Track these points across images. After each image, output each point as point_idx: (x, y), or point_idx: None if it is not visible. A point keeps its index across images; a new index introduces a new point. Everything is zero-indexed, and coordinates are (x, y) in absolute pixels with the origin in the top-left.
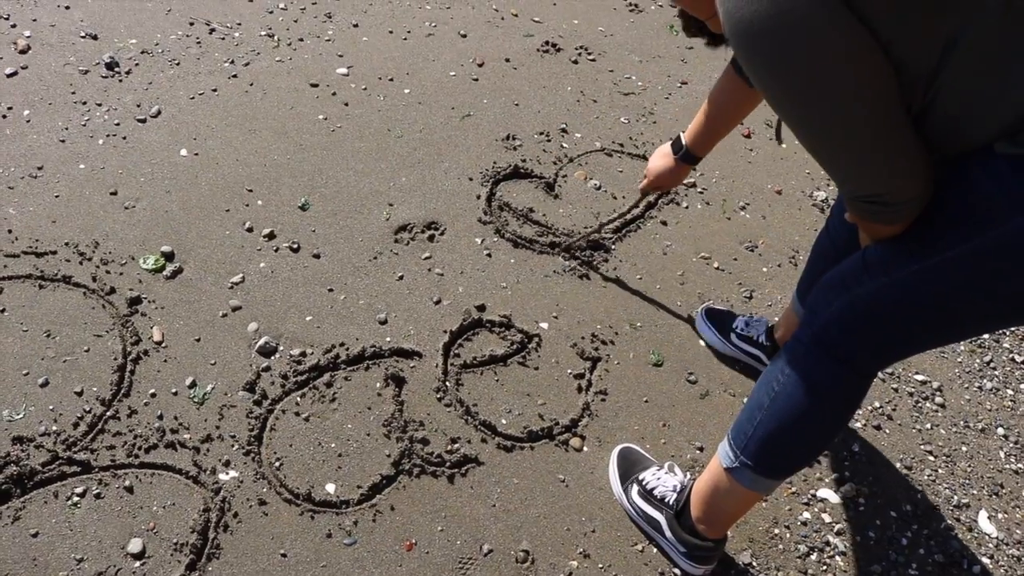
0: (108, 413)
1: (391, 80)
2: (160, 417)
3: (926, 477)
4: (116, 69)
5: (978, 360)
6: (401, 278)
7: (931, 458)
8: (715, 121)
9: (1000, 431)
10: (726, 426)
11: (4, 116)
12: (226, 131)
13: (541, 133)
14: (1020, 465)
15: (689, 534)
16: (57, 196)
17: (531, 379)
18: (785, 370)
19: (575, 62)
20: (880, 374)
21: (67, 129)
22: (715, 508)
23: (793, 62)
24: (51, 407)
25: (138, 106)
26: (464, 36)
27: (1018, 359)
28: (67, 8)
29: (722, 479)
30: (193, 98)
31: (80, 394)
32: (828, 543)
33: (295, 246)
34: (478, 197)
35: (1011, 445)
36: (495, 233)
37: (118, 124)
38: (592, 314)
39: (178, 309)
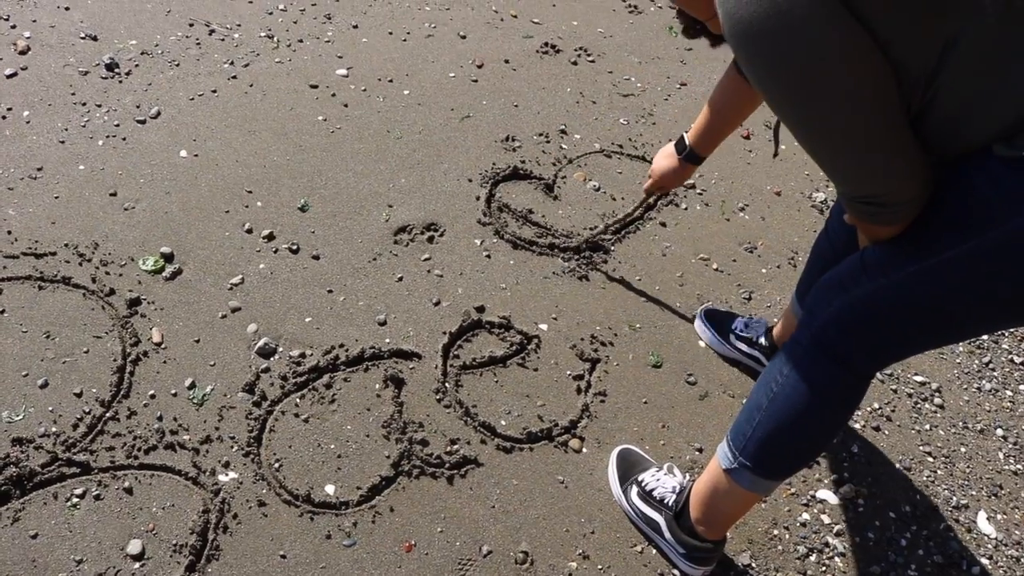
0: (107, 414)
1: (390, 81)
2: (159, 418)
3: (925, 478)
4: (116, 70)
5: (977, 361)
6: (400, 279)
7: (930, 459)
8: (717, 121)
9: (999, 432)
10: (725, 427)
11: (4, 117)
12: (226, 132)
13: (540, 134)
14: (1019, 466)
15: (688, 535)
16: (57, 197)
17: (530, 380)
18: (783, 371)
19: (574, 63)
20: (879, 375)
21: (67, 130)
22: (714, 509)
23: (792, 62)
24: (50, 408)
25: (138, 107)
26: (463, 37)
27: (1017, 360)
28: (67, 9)
29: (721, 480)
30: (193, 99)
31: (79, 395)
32: (827, 544)
33: (294, 247)
34: (477, 198)
35: (1010, 446)
36: (494, 234)
37: (118, 125)
38: (591, 315)
39: (177, 310)
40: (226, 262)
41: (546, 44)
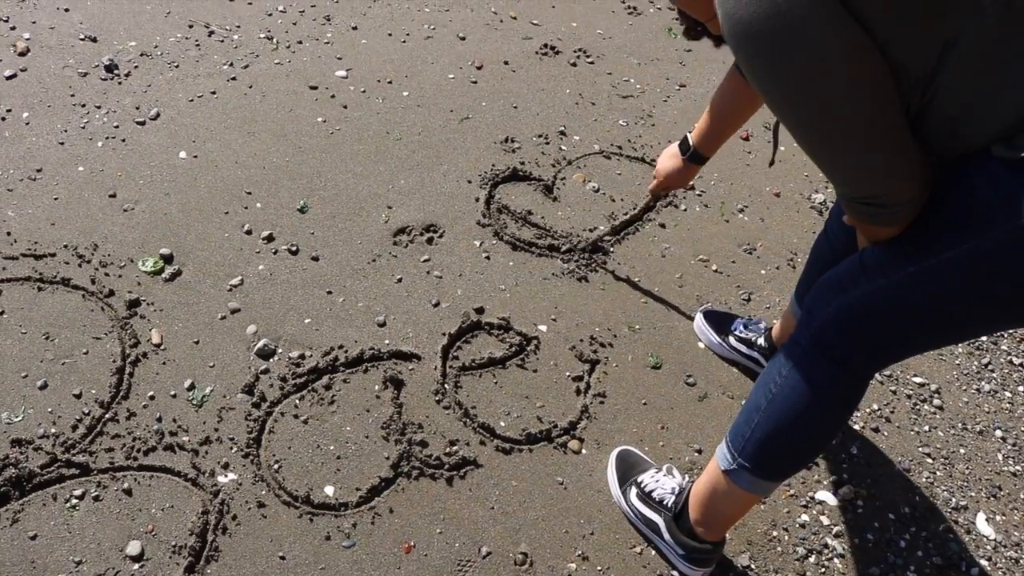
0: (107, 415)
1: (390, 83)
2: (159, 419)
3: (924, 479)
4: (115, 71)
5: (976, 362)
6: (400, 280)
7: (929, 460)
8: (720, 122)
9: (998, 433)
10: (724, 428)
11: (3, 118)
12: (225, 133)
13: (540, 136)
14: (1018, 467)
15: (687, 536)
16: (56, 198)
17: (530, 381)
18: (782, 372)
19: (574, 65)
20: (878, 376)
21: (66, 131)
22: (713, 510)
23: (792, 63)
24: (50, 409)
25: (137, 108)
26: (463, 39)
27: (1016, 361)
28: (66, 10)
29: (720, 481)
30: (192, 100)
31: (79, 396)
32: (826, 545)
33: (294, 248)
34: (477, 200)
35: (1009, 447)
36: (494, 235)
37: (117, 126)
38: (591, 316)
39: (177, 311)
40: (225, 263)
41: (545, 46)
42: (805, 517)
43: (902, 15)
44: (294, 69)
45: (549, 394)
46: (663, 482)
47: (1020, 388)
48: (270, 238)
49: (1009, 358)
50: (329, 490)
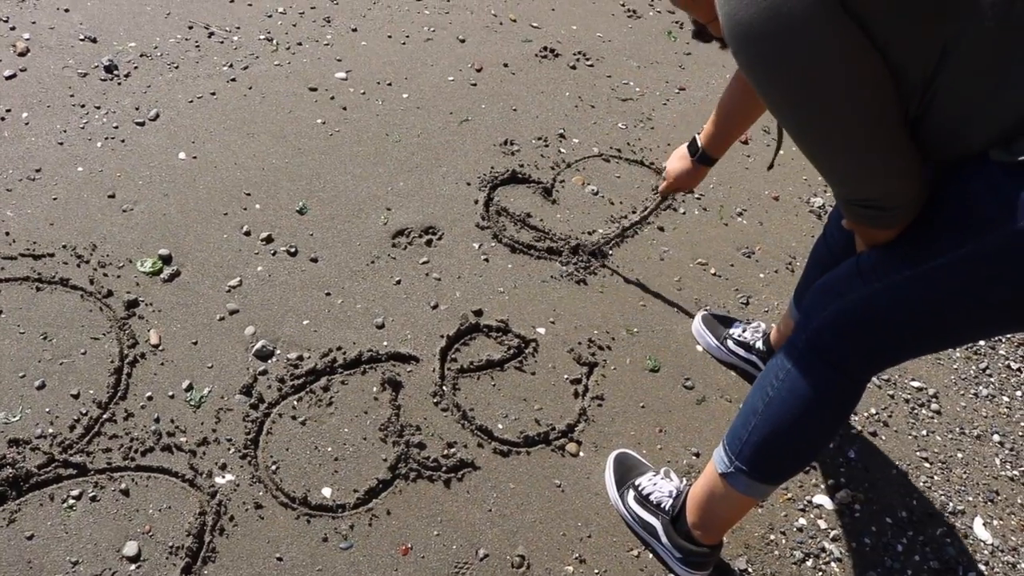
0: (104, 416)
1: (389, 85)
2: (156, 420)
3: (922, 483)
4: (115, 72)
5: (974, 367)
6: (398, 282)
7: (927, 464)
8: (728, 123)
9: (996, 438)
10: (722, 432)
11: (2, 118)
12: (224, 135)
13: (539, 138)
14: (1015, 472)
15: (685, 540)
16: (55, 198)
17: (528, 384)
18: (779, 375)
19: (573, 68)
20: (876, 380)
21: (65, 131)
22: (711, 514)
23: (792, 64)
24: (47, 409)
25: (136, 109)
26: (463, 41)
27: (1014, 366)
28: (66, 11)
29: (717, 485)
30: (192, 101)
31: (77, 397)
32: (824, 549)
33: (292, 250)
34: (476, 202)
35: (1006, 452)
36: (493, 238)
37: (116, 127)
38: (589, 319)
39: (175, 312)
40: (224, 264)
41: (545, 48)
42: (802, 521)
43: (902, 15)
44: (294, 71)
45: (547, 397)
46: (661, 485)
47: (1018, 393)
48: (269, 239)
49: (1007, 363)
50: (327, 491)
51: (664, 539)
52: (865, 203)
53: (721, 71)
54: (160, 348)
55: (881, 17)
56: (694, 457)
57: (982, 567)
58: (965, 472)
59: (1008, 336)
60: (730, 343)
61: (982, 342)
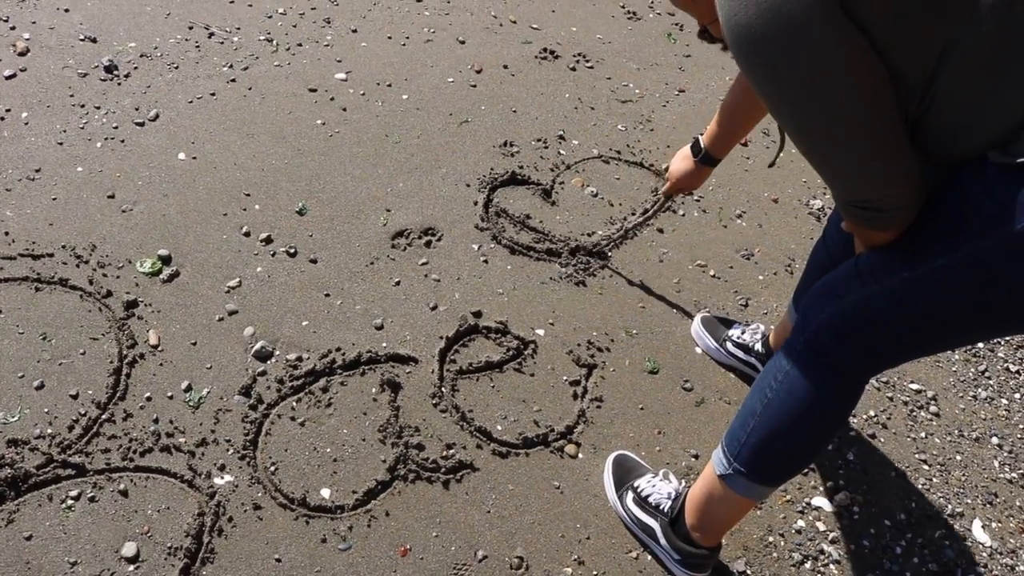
0: (103, 416)
1: (389, 86)
2: (155, 421)
3: (920, 486)
4: (115, 72)
5: (973, 369)
6: (398, 284)
7: (925, 467)
8: (731, 123)
9: (994, 440)
10: (721, 434)
11: (2, 118)
12: (224, 135)
13: (538, 140)
14: (1014, 474)
15: (683, 541)
16: (54, 199)
17: (527, 385)
18: (778, 377)
19: (573, 69)
20: (875, 383)
21: (65, 132)
22: (709, 515)
23: (792, 65)
24: (46, 410)
25: (136, 109)
26: (462, 42)
27: (1012, 368)
28: (66, 11)
29: (716, 486)
30: (191, 102)
31: (75, 397)
32: (822, 551)
33: (292, 251)
34: (475, 203)
35: (1005, 454)
36: (492, 239)
37: (116, 127)
38: (588, 321)
39: (174, 313)
40: (223, 265)
41: (545, 50)
42: (801, 523)
43: (901, 17)
44: (293, 71)
45: (546, 398)
46: (659, 487)
47: (1016, 395)
48: (268, 240)
49: (1006, 365)
50: (325, 493)
51: (663, 541)
52: (863, 205)
53: (721, 73)
54: (159, 349)
55: (880, 19)
56: (693, 459)
57: (981, 569)
58: (964, 474)
59: (1007, 338)
60: (729, 345)
61: (981, 344)
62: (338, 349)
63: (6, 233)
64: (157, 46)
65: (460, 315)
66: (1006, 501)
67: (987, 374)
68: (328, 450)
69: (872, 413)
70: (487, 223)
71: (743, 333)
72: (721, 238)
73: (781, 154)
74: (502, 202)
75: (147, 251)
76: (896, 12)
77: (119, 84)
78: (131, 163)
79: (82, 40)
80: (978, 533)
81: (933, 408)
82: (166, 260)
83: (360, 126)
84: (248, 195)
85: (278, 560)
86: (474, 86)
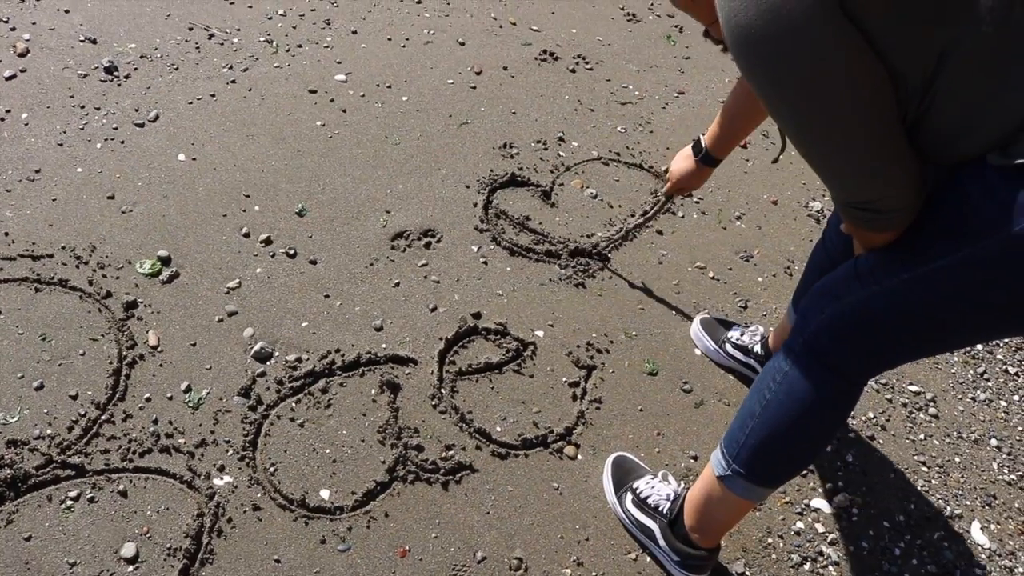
0: (103, 417)
1: (389, 87)
2: (155, 421)
3: (919, 487)
4: (115, 73)
5: (972, 371)
6: (397, 285)
7: (924, 469)
8: (732, 124)
9: (993, 442)
10: (720, 435)
11: (2, 119)
12: (224, 136)
13: (538, 141)
14: (1013, 476)
15: (682, 543)
16: (54, 199)
17: (526, 387)
18: (777, 378)
19: (572, 71)
20: (874, 384)
21: (65, 132)
22: (708, 517)
23: (792, 66)
24: (46, 411)
25: (136, 110)
26: (462, 44)
27: (1011, 370)
28: (67, 12)
29: (715, 488)
30: (191, 103)
31: (75, 398)
32: (821, 553)
33: (292, 252)
34: (475, 205)
35: (1004, 456)
36: (491, 241)
37: (116, 128)
38: (587, 322)
39: (174, 314)
40: (223, 266)
41: (544, 52)
42: (800, 524)
43: (901, 18)
44: (293, 73)
45: (545, 399)
46: (658, 488)
47: (1015, 397)
48: (268, 241)
49: (1005, 367)
50: (325, 494)
51: (662, 542)
52: (863, 206)
53: (720, 75)
54: (159, 349)
55: (880, 20)
56: (692, 460)
57: (979, 571)
58: (963, 476)
59: (1006, 340)
60: (728, 347)
61: (980, 346)
62: (337, 350)
63: (6, 234)
64: (157, 47)
65: (459, 316)
66: (1005, 503)
67: (986, 376)
68: (327, 451)
69: (871, 415)
70: (487, 224)
71: (742, 335)
72: (720, 240)
73: (783, 153)
74: (502, 204)
75: (147, 252)
76: (896, 13)
77: (119, 85)
78: (131, 164)
79: (82, 41)
80: (977, 535)
81: (932, 410)
82: (166, 261)
83: (360, 127)
84: (248, 196)
85: (277, 561)
86: (474, 88)
